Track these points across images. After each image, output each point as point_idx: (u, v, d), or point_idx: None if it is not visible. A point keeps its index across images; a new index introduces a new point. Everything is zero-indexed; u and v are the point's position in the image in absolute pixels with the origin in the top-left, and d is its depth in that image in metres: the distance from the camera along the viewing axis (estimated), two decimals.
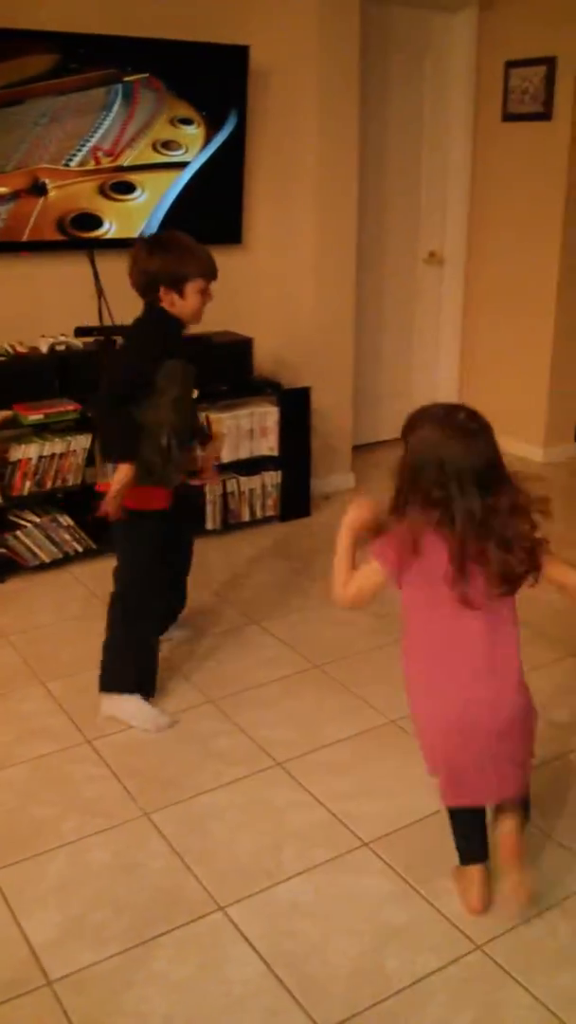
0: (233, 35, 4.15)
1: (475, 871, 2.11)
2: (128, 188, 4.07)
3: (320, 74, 4.17)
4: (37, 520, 3.78)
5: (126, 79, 3.90)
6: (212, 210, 4.33)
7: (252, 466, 4.26)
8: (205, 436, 3.18)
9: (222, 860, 2.27)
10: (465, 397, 5.61)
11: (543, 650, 3.24)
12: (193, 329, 4.30)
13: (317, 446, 4.51)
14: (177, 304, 2.74)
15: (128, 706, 2.81)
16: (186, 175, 4.19)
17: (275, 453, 4.28)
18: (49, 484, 3.77)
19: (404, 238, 5.28)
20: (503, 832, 2.09)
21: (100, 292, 4.11)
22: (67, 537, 3.85)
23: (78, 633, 3.35)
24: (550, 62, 4.70)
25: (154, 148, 4.07)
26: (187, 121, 4.11)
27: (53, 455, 3.73)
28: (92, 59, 3.79)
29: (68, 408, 3.78)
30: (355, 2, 4.16)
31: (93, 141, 3.91)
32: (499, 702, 1.99)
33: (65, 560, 3.86)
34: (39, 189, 3.85)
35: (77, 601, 3.60)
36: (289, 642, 3.30)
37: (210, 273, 2.76)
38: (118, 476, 2.65)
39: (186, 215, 4.23)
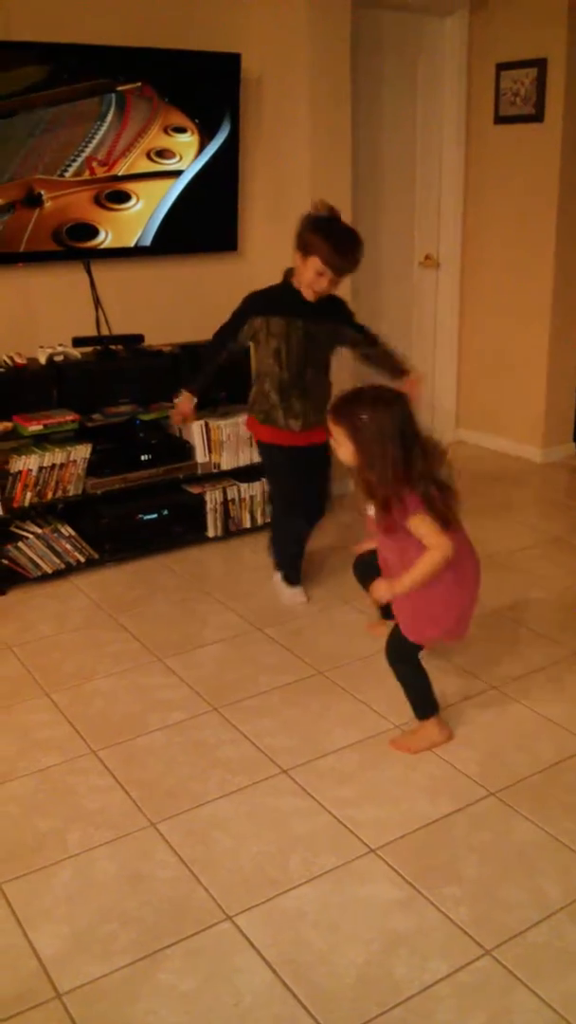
0: (225, 43, 4.17)
1: (438, 717, 2.74)
2: (123, 197, 4.08)
3: (312, 80, 4.18)
4: (39, 531, 3.79)
5: (119, 88, 3.91)
6: (207, 218, 4.34)
7: (252, 473, 4.26)
8: (398, 372, 3.43)
9: (229, 869, 2.28)
10: (463, 399, 5.62)
11: (541, 651, 3.24)
12: (188, 336, 4.39)
13: None
14: (298, 268, 3.18)
15: (275, 582, 3.69)
16: (181, 183, 4.20)
17: None
18: (50, 495, 3.78)
19: (399, 242, 5.28)
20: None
21: (97, 302, 4.11)
22: (69, 547, 3.85)
23: (81, 643, 3.36)
24: (541, 64, 4.71)
25: (148, 157, 4.08)
26: (180, 129, 4.12)
27: (53, 466, 3.74)
28: (84, 69, 3.80)
29: (67, 418, 3.78)
30: (346, 8, 4.17)
31: (87, 151, 3.91)
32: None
33: (67, 570, 3.87)
34: (34, 200, 3.85)
35: (80, 611, 3.61)
36: (292, 648, 3.30)
37: (331, 262, 3.08)
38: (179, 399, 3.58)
39: (181, 223, 4.24)
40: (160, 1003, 1.91)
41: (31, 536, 3.77)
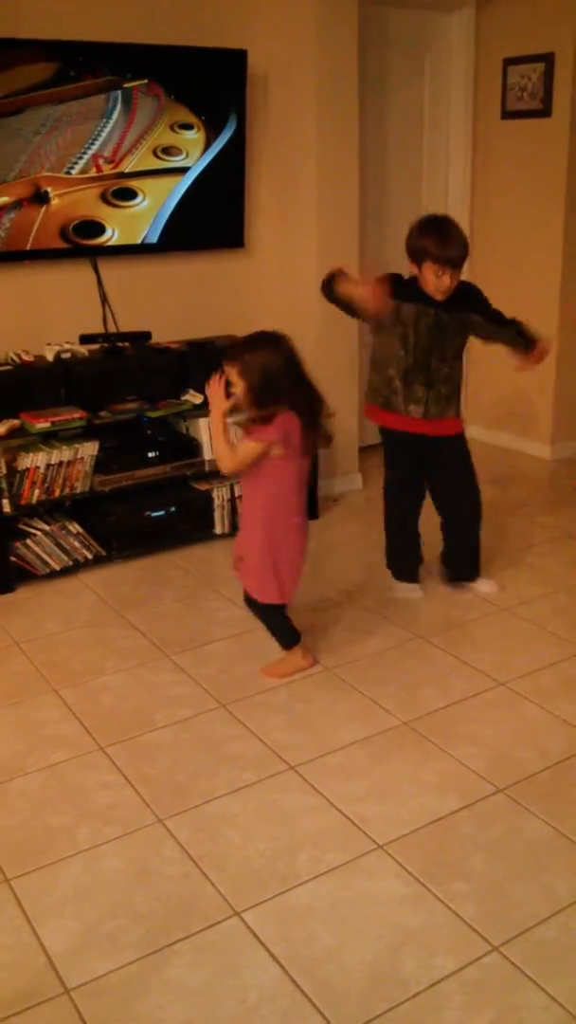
0: (231, 40, 4.16)
1: (300, 647, 3.12)
2: (130, 194, 4.08)
3: (319, 76, 4.17)
4: (47, 528, 3.79)
5: (125, 86, 3.91)
6: (214, 214, 4.34)
7: None
8: (524, 347, 3.43)
9: (237, 865, 2.28)
10: (471, 396, 5.60)
11: (550, 647, 3.24)
12: (195, 333, 4.39)
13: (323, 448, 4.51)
14: (420, 278, 3.20)
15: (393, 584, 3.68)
16: (187, 180, 4.20)
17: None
18: (58, 492, 3.78)
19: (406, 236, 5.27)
20: None
21: (104, 299, 4.12)
22: (76, 544, 3.86)
23: (89, 640, 3.36)
24: (548, 58, 4.69)
25: (155, 154, 4.08)
26: (187, 126, 4.12)
27: (61, 463, 3.75)
28: (91, 66, 3.80)
29: (75, 416, 3.79)
30: (353, 4, 4.16)
31: (94, 148, 3.91)
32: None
33: (75, 567, 3.87)
34: (41, 198, 3.86)
35: (88, 608, 3.61)
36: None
37: (440, 255, 3.10)
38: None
39: (188, 220, 4.24)
40: (168, 999, 1.92)
41: (39, 533, 3.77)
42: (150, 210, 4.15)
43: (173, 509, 4.06)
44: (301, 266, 4.49)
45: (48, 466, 3.73)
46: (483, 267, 5.33)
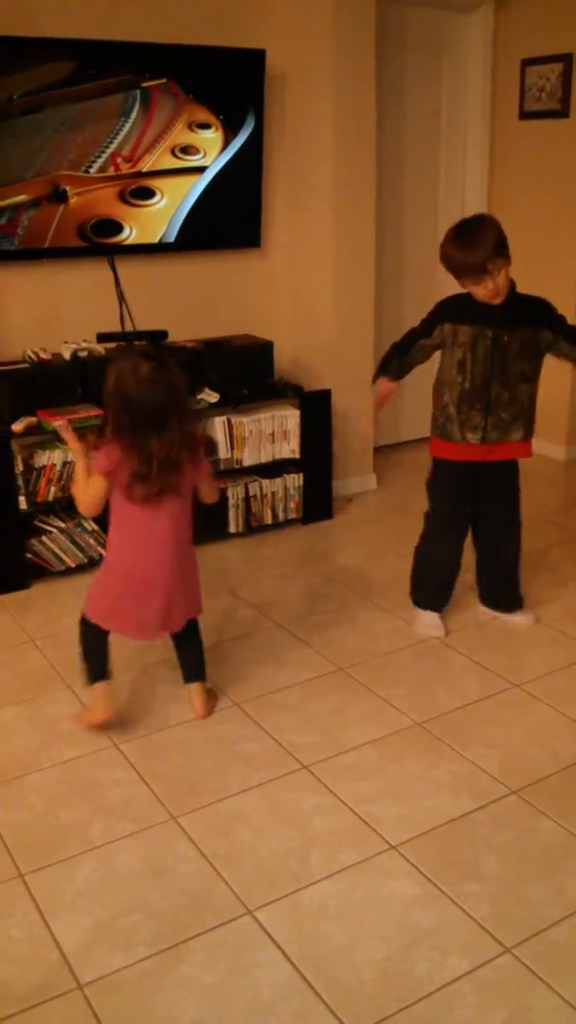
0: (249, 39, 4.17)
1: (101, 686, 2.79)
2: (148, 193, 4.09)
3: (337, 76, 4.17)
4: (62, 525, 3.81)
5: (144, 85, 3.92)
6: (231, 214, 4.34)
7: (274, 469, 4.27)
8: None
9: (249, 864, 2.28)
10: None
11: (564, 649, 3.23)
12: (211, 332, 4.40)
13: (338, 448, 4.52)
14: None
15: (415, 615, 3.42)
16: (205, 179, 4.20)
17: (297, 456, 4.29)
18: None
19: (423, 238, 5.26)
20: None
21: (121, 297, 4.13)
22: (92, 541, 3.87)
23: None
24: (566, 59, 4.68)
25: (173, 153, 4.09)
26: (205, 126, 4.13)
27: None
28: (110, 65, 3.81)
29: (91, 414, 3.80)
30: (371, 4, 4.16)
31: (112, 147, 3.93)
32: (159, 567, 2.69)
33: (90, 564, 3.88)
34: (60, 196, 3.87)
35: None
36: (312, 645, 3.31)
37: (456, 259, 2.91)
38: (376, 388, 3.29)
39: (205, 219, 4.25)
40: (181, 995, 1.92)
41: (55, 530, 3.79)
42: (168, 209, 4.16)
43: None
44: (317, 266, 4.49)
45: (64, 463, 3.74)
46: None
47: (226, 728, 2.83)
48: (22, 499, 3.68)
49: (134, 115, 3.93)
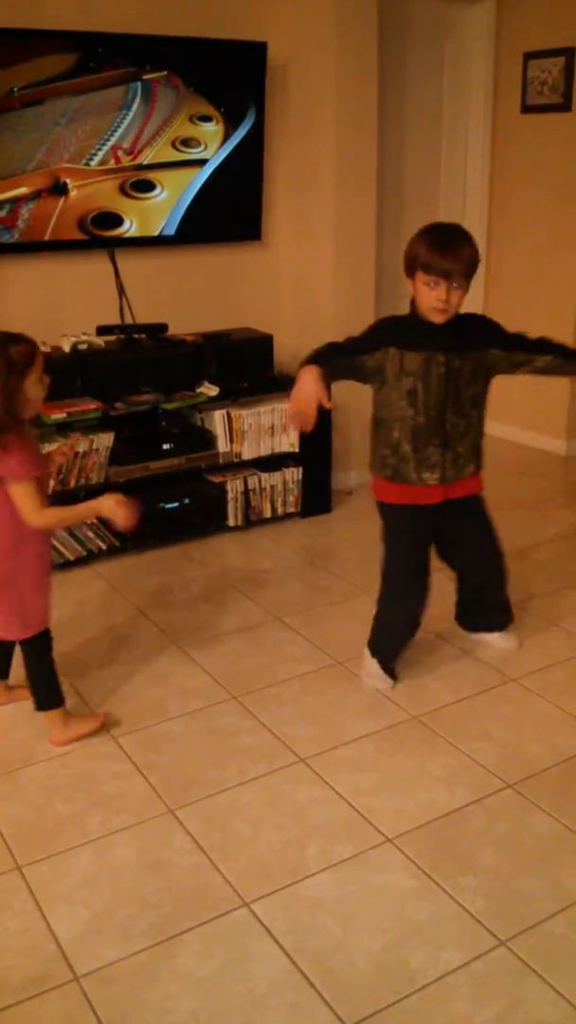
0: (250, 31, 4.16)
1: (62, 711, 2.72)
2: (148, 186, 4.09)
3: (338, 68, 4.17)
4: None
5: (145, 77, 3.91)
6: (232, 207, 4.34)
7: (273, 463, 4.27)
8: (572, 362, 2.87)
9: (246, 856, 2.29)
10: None
11: (561, 643, 3.24)
12: (211, 325, 4.39)
13: (338, 442, 4.51)
14: (414, 295, 2.66)
15: (365, 657, 3.05)
16: (205, 172, 4.20)
17: (296, 449, 4.29)
18: (73, 482, 3.80)
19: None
20: None
21: (121, 290, 4.13)
22: (91, 535, 3.87)
23: (101, 630, 3.38)
24: (569, 53, 4.67)
25: (173, 146, 4.08)
26: (206, 118, 4.12)
27: (76, 454, 3.76)
28: (111, 58, 3.80)
29: (91, 407, 3.80)
30: None
31: (113, 140, 3.92)
32: None
33: (89, 558, 3.89)
34: (60, 189, 3.87)
35: (100, 599, 3.63)
36: (311, 638, 3.31)
37: (435, 263, 2.55)
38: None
39: (206, 212, 4.24)
40: (176, 987, 1.93)
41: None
42: (168, 202, 4.15)
43: (187, 501, 4.07)
44: (318, 259, 4.49)
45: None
46: (501, 261, 5.32)
47: (224, 721, 2.84)
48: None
49: (135, 107, 3.92)
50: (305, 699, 2.95)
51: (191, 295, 4.42)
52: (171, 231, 4.21)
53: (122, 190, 4.02)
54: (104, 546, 3.91)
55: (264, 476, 4.22)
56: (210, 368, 4.14)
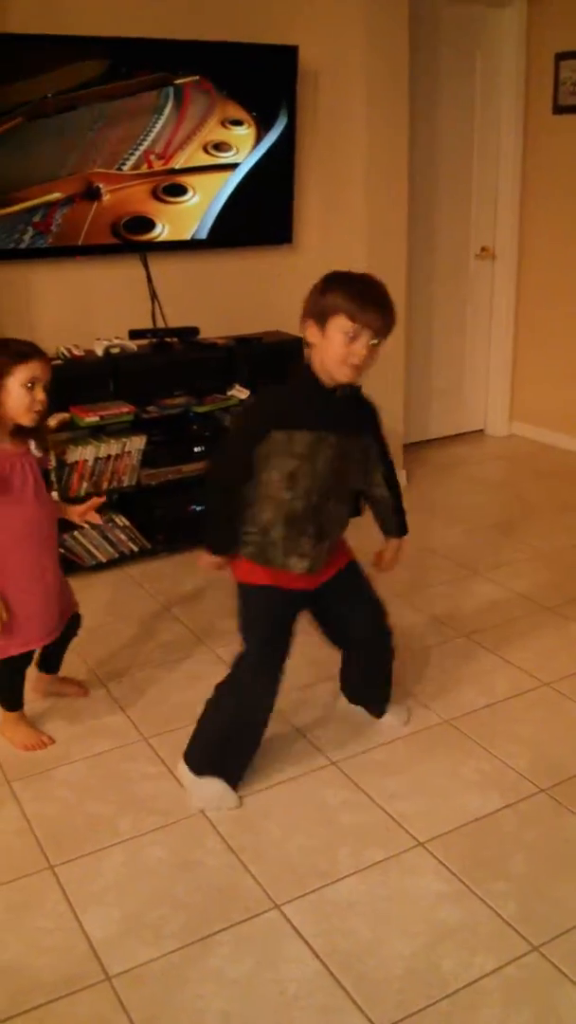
0: (282, 35, 4.17)
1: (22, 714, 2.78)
2: (180, 190, 4.11)
3: (369, 72, 4.17)
4: (94, 520, 3.82)
5: (176, 82, 3.93)
6: (263, 210, 4.35)
7: None
8: (390, 531, 2.66)
9: (277, 859, 2.29)
10: (517, 393, 5.57)
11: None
12: (242, 329, 4.40)
13: None
14: (319, 348, 2.23)
15: (181, 771, 2.56)
16: (237, 176, 4.21)
17: None
18: (105, 485, 3.82)
19: (455, 234, 5.25)
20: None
21: (153, 295, 4.15)
22: (123, 537, 3.90)
23: (134, 632, 3.40)
24: None
25: (205, 150, 4.10)
26: (237, 122, 4.14)
27: (109, 456, 3.78)
28: (143, 63, 3.83)
29: (123, 410, 3.82)
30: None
31: (145, 144, 3.94)
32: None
33: (121, 560, 3.91)
34: (93, 193, 3.90)
35: (133, 600, 3.65)
36: None
37: (360, 316, 2.19)
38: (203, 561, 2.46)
39: (237, 216, 4.26)
40: (208, 988, 1.94)
41: (86, 526, 3.81)
42: (200, 206, 4.17)
43: None
44: (349, 263, 4.41)
45: (96, 459, 3.76)
46: (532, 263, 5.29)
47: None
48: (55, 494, 3.70)
49: (167, 112, 3.95)
50: (335, 702, 2.94)
51: (222, 299, 4.43)
52: (203, 235, 4.23)
53: (154, 194, 4.05)
54: (136, 548, 3.93)
55: None
56: (241, 372, 4.15)
